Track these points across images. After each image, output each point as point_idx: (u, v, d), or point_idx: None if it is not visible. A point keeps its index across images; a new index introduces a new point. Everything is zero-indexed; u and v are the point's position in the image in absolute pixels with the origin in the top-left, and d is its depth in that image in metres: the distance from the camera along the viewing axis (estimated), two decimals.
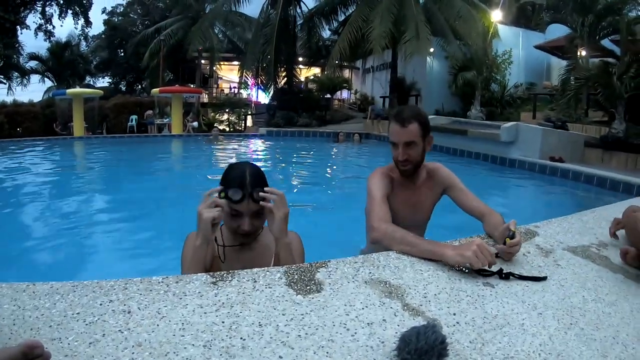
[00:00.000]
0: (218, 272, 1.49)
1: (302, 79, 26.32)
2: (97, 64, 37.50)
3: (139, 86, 38.33)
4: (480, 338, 1.24)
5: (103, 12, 37.72)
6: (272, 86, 22.83)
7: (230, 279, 1.45)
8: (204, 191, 1.67)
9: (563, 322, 1.39)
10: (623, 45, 10.73)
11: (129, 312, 1.21)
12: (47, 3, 31.72)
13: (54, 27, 32.34)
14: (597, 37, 13.82)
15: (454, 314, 1.36)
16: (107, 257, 4.34)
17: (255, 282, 1.44)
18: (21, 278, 1.39)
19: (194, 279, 1.42)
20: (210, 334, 1.14)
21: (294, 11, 22.13)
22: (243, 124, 22.39)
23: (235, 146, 15.35)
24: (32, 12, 31.27)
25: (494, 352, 1.18)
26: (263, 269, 1.55)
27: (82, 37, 35.59)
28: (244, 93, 29.30)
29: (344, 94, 30.87)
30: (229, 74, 32.76)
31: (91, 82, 37.46)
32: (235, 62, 28.82)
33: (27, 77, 30.04)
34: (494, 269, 1.67)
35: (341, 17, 21.22)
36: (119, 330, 1.12)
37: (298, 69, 24.85)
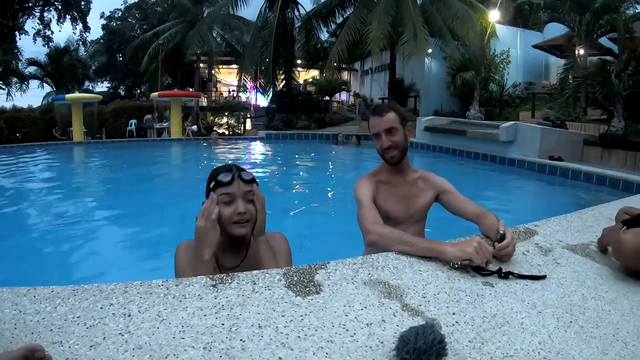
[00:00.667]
0: (218, 275, 1.49)
1: (301, 81, 26.35)
2: (95, 68, 37.58)
3: (138, 90, 38.38)
4: (480, 337, 1.24)
5: (101, 17, 37.87)
6: (271, 89, 22.85)
7: (229, 281, 1.45)
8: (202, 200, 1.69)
9: (563, 320, 1.39)
10: (621, 43, 10.73)
11: (129, 315, 1.21)
12: (46, 8, 31.82)
13: (52, 32, 32.51)
14: (594, 36, 13.84)
15: (453, 314, 1.36)
16: (107, 261, 4.34)
17: (254, 284, 1.44)
18: (22, 282, 1.39)
19: (193, 282, 1.43)
20: (210, 336, 1.14)
21: (292, 14, 22.16)
22: (242, 127, 22.40)
23: (235, 149, 15.36)
24: (31, 17, 31.40)
25: (493, 351, 1.18)
26: (262, 271, 1.56)
27: (80, 42, 35.68)
28: (243, 96, 29.33)
29: (343, 96, 30.91)
30: (227, 77, 32.78)
31: (90, 87, 37.52)
32: (234, 66, 28.84)
33: (26, 82, 30.08)
34: (493, 268, 1.67)
35: (339, 19, 21.22)
36: (120, 333, 1.13)
37: (296, 72, 24.87)
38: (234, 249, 1.85)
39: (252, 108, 26.90)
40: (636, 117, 10.91)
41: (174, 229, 5.44)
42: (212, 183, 1.74)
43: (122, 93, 37.38)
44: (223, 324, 1.20)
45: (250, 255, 1.85)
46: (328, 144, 16.30)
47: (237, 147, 15.99)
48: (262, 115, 23.41)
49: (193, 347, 1.10)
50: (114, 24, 37.49)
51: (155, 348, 1.08)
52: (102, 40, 37.42)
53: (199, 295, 1.35)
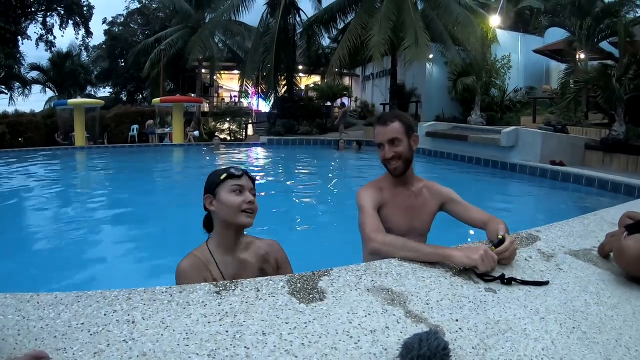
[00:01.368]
0: (221, 282, 1.50)
1: (302, 87, 26.35)
2: (97, 73, 37.65)
3: (140, 96, 38.43)
4: (483, 343, 1.24)
5: (103, 22, 38.00)
6: (273, 94, 22.86)
7: (233, 288, 1.45)
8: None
9: (565, 326, 1.39)
10: (621, 47, 10.75)
11: (133, 322, 1.22)
12: (48, 13, 31.94)
13: (54, 37, 32.57)
14: (595, 40, 13.86)
15: (457, 320, 1.36)
16: (110, 267, 4.34)
17: (258, 291, 1.45)
18: (25, 288, 1.40)
19: (197, 289, 1.43)
20: (214, 343, 1.14)
21: (294, 20, 22.19)
22: (244, 133, 22.41)
23: (237, 155, 15.37)
24: (33, 22, 31.52)
25: (496, 358, 1.18)
26: (266, 277, 1.56)
27: (82, 47, 35.78)
28: (245, 102, 29.35)
29: (344, 101, 30.92)
30: (229, 82, 32.82)
31: (92, 92, 37.66)
32: (236, 71, 28.86)
33: (28, 87, 30.14)
34: (496, 274, 1.67)
35: (340, 25, 21.22)
36: (123, 340, 1.13)
37: (298, 77, 24.88)
38: (233, 252, 1.93)
39: (253, 113, 26.90)
40: (637, 121, 10.91)
41: (177, 235, 5.44)
42: (224, 175, 1.89)
43: (124, 98, 37.43)
44: (227, 331, 1.20)
45: (244, 256, 1.95)
46: (329, 149, 16.31)
47: (238, 152, 16.01)
48: (264, 120, 23.42)
49: (197, 354, 1.10)
50: (116, 30, 37.60)
51: (159, 355, 1.08)
52: (104, 46, 37.53)
53: (202, 302, 1.35)
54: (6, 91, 28.75)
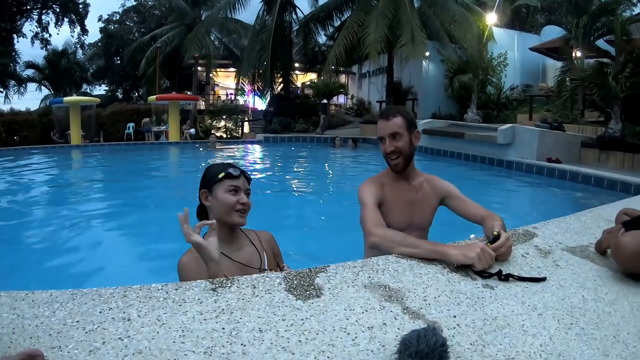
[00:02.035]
0: (217, 279, 1.49)
1: (299, 84, 26.36)
2: (93, 71, 37.57)
3: (136, 94, 38.38)
4: (481, 340, 1.24)
5: (99, 20, 37.85)
6: (269, 92, 22.87)
7: (229, 285, 1.44)
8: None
9: (563, 322, 1.39)
10: (618, 45, 10.77)
11: (128, 320, 1.21)
12: (44, 11, 31.85)
13: (50, 35, 32.54)
14: (591, 38, 13.91)
15: (454, 317, 1.36)
16: (105, 265, 4.33)
17: (254, 287, 1.44)
18: (20, 286, 1.39)
19: (193, 286, 1.42)
20: (210, 341, 1.14)
21: (290, 17, 22.19)
22: (240, 131, 22.39)
23: (233, 153, 15.35)
24: (29, 20, 31.42)
25: (494, 354, 1.18)
26: (262, 274, 1.55)
27: (78, 45, 35.71)
28: (241, 99, 29.33)
29: (341, 99, 30.94)
30: (225, 80, 32.80)
31: (88, 90, 37.53)
32: (232, 69, 28.87)
33: (23, 85, 30.08)
34: (494, 270, 1.67)
35: (337, 23, 21.24)
36: (119, 338, 1.12)
37: (294, 75, 24.90)
38: (232, 242, 1.98)
39: (250, 111, 26.91)
40: (633, 119, 10.95)
41: (172, 233, 5.42)
42: (222, 174, 1.92)
43: (120, 96, 37.38)
44: (223, 328, 1.20)
45: (248, 243, 2.04)
46: (326, 147, 16.30)
47: (235, 150, 15.99)
48: (260, 118, 23.42)
49: (193, 351, 1.09)
50: (112, 27, 37.48)
51: (155, 353, 1.07)
52: (100, 44, 37.43)
53: (198, 299, 1.34)
54: (1, 89, 28.68)
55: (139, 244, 5.16)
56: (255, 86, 23.97)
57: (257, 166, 12.63)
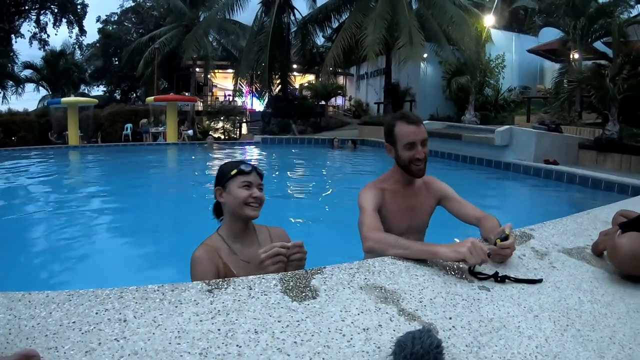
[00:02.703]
0: (214, 280, 1.49)
1: (297, 86, 26.34)
2: (91, 72, 37.46)
3: (134, 94, 38.30)
4: (477, 341, 1.24)
5: (97, 20, 37.72)
6: (267, 93, 22.83)
7: (225, 286, 1.44)
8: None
9: (559, 323, 1.39)
10: (615, 47, 10.78)
11: (124, 321, 1.21)
12: (42, 12, 31.75)
13: (48, 35, 32.40)
14: (589, 40, 13.92)
15: (450, 318, 1.36)
16: (102, 266, 4.32)
17: (250, 289, 1.44)
18: (17, 287, 1.38)
19: (189, 287, 1.42)
20: (206, 342, 1.14)
21: (288, 18, 22.16)
22: (238, 132, 22.37)
23: (230, 154, 15.33)
24: (27, 20, 31.31)
25: (490, 355, 1.18)
26: (258, 276, 1.55)
27: (76, 46, 35.59)
28: (239, 101, 29.32)
29: (339, 100, 30.94)
30: (223, 81, 32.78)
31: (86, 91, 37.42)
32: (230, 70, 28.85)
33: (21, 85, 29.95)
34: (490, 272, 1.67)
35: (335, 24, 21.21)
36: (115, 339, 1.12)
37: (292, 76, 24.86)
38: (244, 237, 2.05)
39: (247, 112, 26.87)
40: (631, 121, 10.97)
41: (169, 233, 5.42)
42: (234, 171, 2.00)
43: (118, 97, 37.29)
44: (219, 330, 1.20)
45: (261, 239, 2.10)
46: (324, 148, 16.30)
47: (232, 151, 15.97)
48: (258, 119, 23.39)
49: (189, 352, 1.09)
50: (110, 28, 37.39)
51: (151, 354, 1.07)
52: (98, 44, 37.32)
53: (194, 300, 1.34)
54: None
55: (136, 244, 5.15)
56: (253, 87, 23.94)
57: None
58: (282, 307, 1.34)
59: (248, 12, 22.79)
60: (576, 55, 14.86)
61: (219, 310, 1.29)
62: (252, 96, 27.06)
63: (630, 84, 9.72)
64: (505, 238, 1.80)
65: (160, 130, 19.77)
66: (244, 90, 25.11)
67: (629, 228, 1.92)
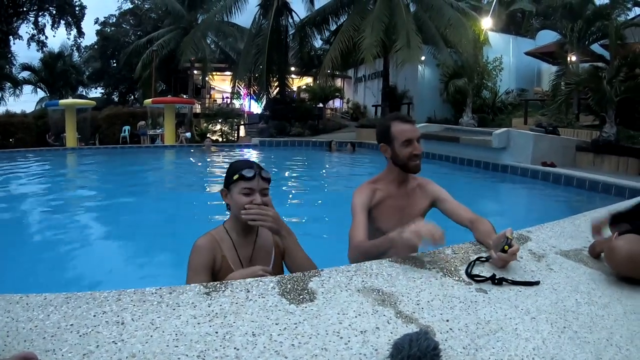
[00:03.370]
0: (212, 283, 1.49)
1: (295, 88, 26.34)
2: (89, 74, 37.40)
3: (132, 97, 38.26)
4: (474, 344, 1.25)
5: (95, 22, 37.69)
6: (265, 96, 22.84)
7: (223, 289, 1.45)
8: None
9: (556, 325, 1.39)
10: (612, 50, 10.82)
11: (122, 323, 1.21)
12: (40, 13, 31.70)
13: (46, 37, 32.30)
14: (586, 42, 13.95)
15: (447, 321, 1.36)
16: (100, 269, 4.31)
17: (248, 292, 1.44)
18: (14, 290, 1.38)
19: (187, 290, 1.42)
20: (204, 344, 1.14)
21: (286, 21, 22.19)
22: (236, 134, 22.36)
23: (228, 156, 15.31)
24: (25, 22, 31.26)
25: (487, 358, 1.18)
26: (256, 278, 1.55)
27: (74, 48, 35.50)
28: (237, 103, 29.30)
29: (337, 103, 30.95)
30: (221, 84, 32.76)
31: (84, 93, 37.36)
32: (228, 73, 28.85)
33: (19, 87, 29.96)
34: (487, 274, 1.67)
35: (332, 27, 21.24)
36: (113, 342, 1.12)
37: (290, 79, 24.88)
38: (246, 236, 2.06)
39: (245, 115, 26.86)
40: (628, 123, 11.00)
41: (167, 236, 5.41)
42: (236, 176, 1.96)
43: (116, 99, 37.22)
44: (217, 332, 1.20)
45: (260, 241, 2.10)
46: (322, 151, 16.30)
47: (230, 154, 15.96)
48: (256, 122, 23.38)
49: (187, 355, 1.09)
50: (108, 30, 37.36)
51: (148, 356, 1.07)
52: (96, 46, 37.28)
53: (192, 303, 1.34)
54: None
55: (133, 247, 5.14)
56: (251, 90, 23.96)
57: None
58: (279, 310, 1.34)
59: (246, 15, 22.82)
60: (573, 58, 14.90)
61: (216, 313, 1.30)
62: (250, 99, 27.05)
63: (628, 86, 9.75)
64: (511, 244, 1.81)
65: (158, 133, 19.77)
66: (241, 93, 25.10)
67: (619, 219, 1.93)
